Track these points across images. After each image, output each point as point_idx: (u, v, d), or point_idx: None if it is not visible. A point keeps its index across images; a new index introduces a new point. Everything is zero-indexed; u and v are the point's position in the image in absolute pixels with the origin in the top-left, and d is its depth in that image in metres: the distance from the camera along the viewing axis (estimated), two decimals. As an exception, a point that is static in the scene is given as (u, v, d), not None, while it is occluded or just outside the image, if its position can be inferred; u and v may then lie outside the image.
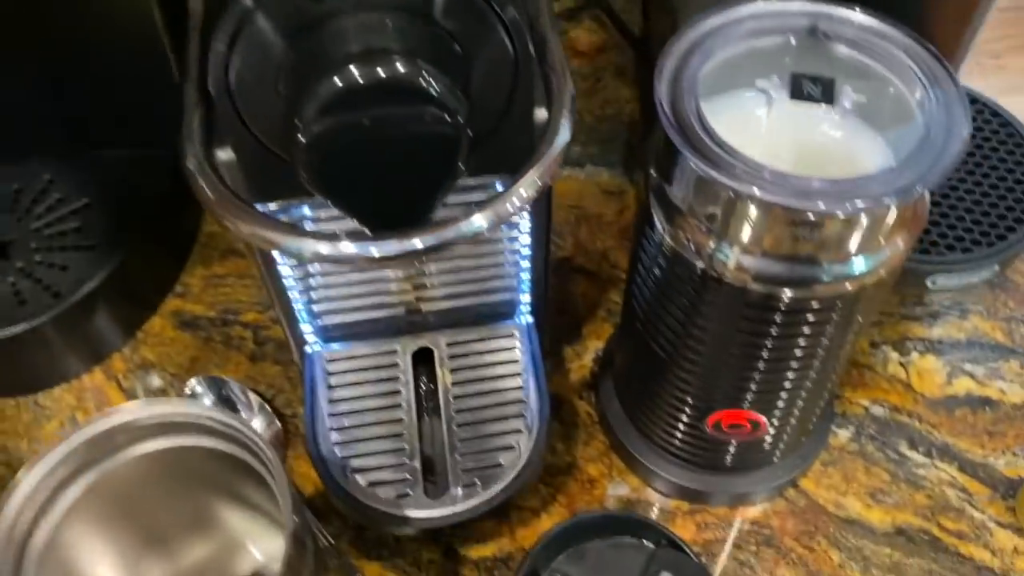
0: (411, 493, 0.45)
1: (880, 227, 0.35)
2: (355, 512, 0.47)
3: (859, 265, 0.36)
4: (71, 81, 0.57)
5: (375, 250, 0.31)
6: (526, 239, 0.46)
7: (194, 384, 0.53)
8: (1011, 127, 0.55)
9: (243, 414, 0.54)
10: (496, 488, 0.46)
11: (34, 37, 0.54)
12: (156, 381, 0.57)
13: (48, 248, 0.56)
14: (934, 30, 0.47)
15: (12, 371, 0.55)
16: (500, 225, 0.33)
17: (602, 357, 0.57)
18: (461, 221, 0.32)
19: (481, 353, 0.50)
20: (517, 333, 0.50)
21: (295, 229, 0.32)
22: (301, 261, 0.44)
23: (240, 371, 0.57)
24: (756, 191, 0.33)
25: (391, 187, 0.35)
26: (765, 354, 0.40)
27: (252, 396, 0.54)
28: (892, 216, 0.35)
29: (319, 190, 0.34)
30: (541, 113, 0.38)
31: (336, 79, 0.32)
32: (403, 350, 0.50)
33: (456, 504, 0.45)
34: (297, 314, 0.49)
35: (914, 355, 0.57)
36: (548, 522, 0.51)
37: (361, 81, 0.32)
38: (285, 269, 0.46)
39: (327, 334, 0.50)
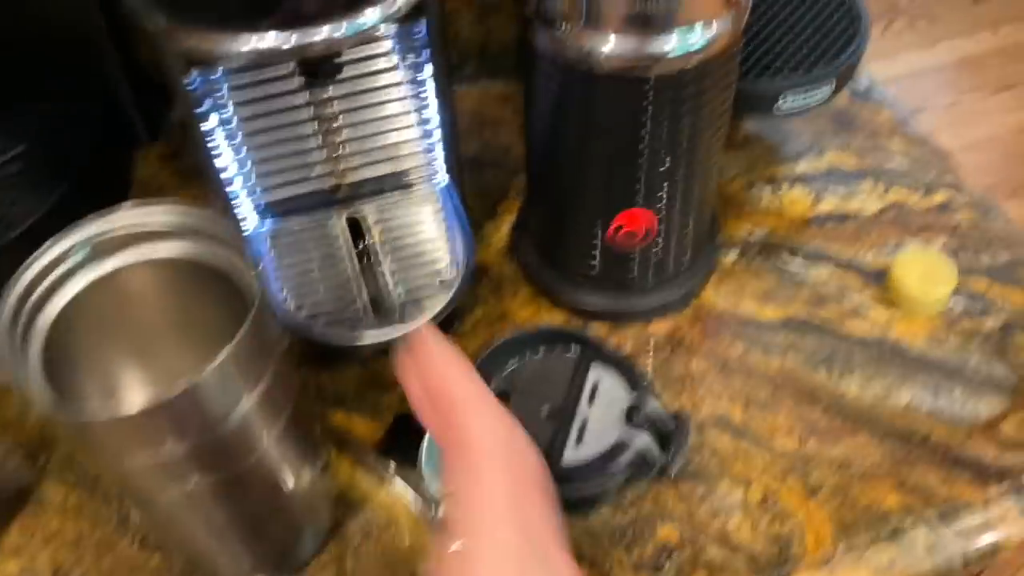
0: (363, 321, 0.51)
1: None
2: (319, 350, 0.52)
3: (698, 36, 0.44)
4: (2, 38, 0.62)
5: (293, 38, 0.37)
6: (432, 97, 0.53)
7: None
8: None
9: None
10: (435, 308, 0.52)
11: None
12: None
13: (-7, 188, 0.60)
14: None
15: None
16: (387, 22, 0.39)
17: (516, 222, 0.64)
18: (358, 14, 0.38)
19: (407, 213, 0.56)
20: (437, 192, 0.57)
21: (223, 31, 0.38)
22: (232, 62, 0.46)
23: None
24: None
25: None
26: (645, 136, 0.48)
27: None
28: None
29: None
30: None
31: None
32: (336, 219, 0.56)
33: (403, 324, 0.51)
34: (235, 197, 0.54)
35: (784, 187, 0.66)
36: (488, 359, 0.57)
37: None
38: (224, 153, 0.51)
39: (263, 213, 0.56)
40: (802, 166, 0.67)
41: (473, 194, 0.66)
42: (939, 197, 0.65)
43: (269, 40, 0.39)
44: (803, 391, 0.55)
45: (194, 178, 0.69)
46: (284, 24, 0.39)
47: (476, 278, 0.58)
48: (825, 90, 0.59)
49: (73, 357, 0.39)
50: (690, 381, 0.56)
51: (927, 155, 0.67)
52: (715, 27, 0.45)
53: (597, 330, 0.58)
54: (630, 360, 0.52)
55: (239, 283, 0.39)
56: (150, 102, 0.70)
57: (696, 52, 0.45)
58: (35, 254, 0.37)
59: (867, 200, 0.65)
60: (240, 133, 0.52)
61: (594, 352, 0.53)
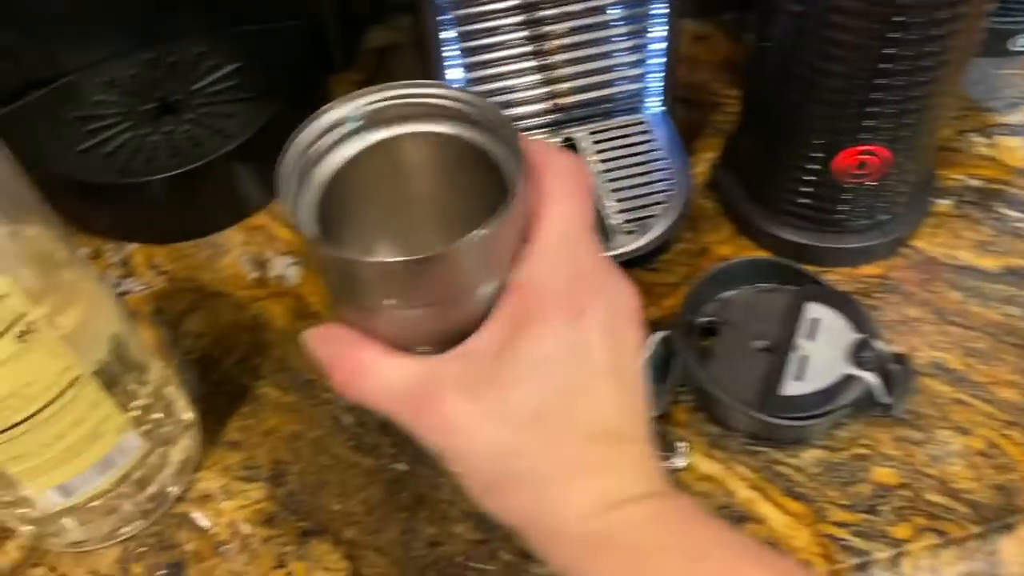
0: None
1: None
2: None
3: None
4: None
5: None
6: (657, 24, 0.52)
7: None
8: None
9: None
10: (652, 234, 0.51)
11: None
12: (316, 216, 0.63)
13: (211, 103, 0.62)
14: None
15: (190, 211, 0.61)
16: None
17: (721, 157, 0.62)
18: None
19: (623, 138, 0.56)
20: (652, 119, 0.56)
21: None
22: None
23: (389, 203, 0.63)
24: None
25: None
26: (887, 63, 0.46)
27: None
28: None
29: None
30: None
31: None
32: (552, 140, 0.56)
33: (625, 246, 0.51)
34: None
35: (997, 138, 0.63)
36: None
37: None
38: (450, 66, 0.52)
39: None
40: (1017, 116, 0.64)
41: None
42: None
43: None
44: (1027, 343, 0.53)
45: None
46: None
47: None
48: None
49: (341, 211, 0.40)
50: (904, 327, 0.54)
51: None
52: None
53: (809, 271, 0.57)
54: (852, 297, 0.51)
55: (502, 171, 0.39)
56: (347, 29, 0.71)
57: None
58: (314, 115, 0.38)
59: (1091, 152, 0.62)
60: (461, 48, 0.52)
61: (813, 288, 0.52)
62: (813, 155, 0.52)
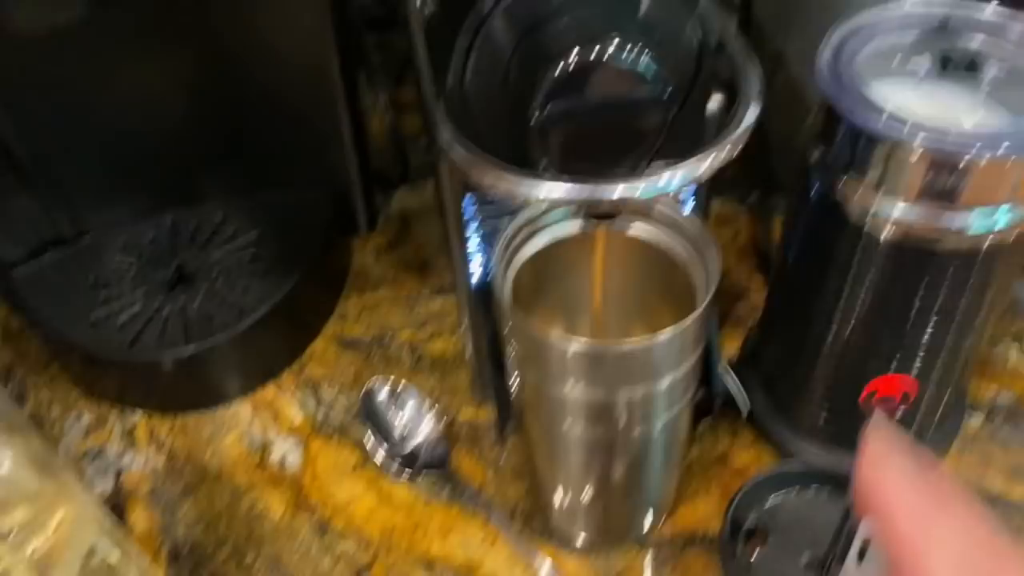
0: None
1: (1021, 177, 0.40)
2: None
3: (1003, 217, 0.41)
4: (246, 133, 0.64)
5: (590, 191, 0.36)
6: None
7: (372, 385, 0.58)
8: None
9: (415, 411, 0.58)
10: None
11: (219, 96, 0.62)
12: (327, 394, 0.62)
13: (228, 275, 0.62)
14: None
15: (198, 386, 0.60)
16: (692, 184, 0.38)
17: (741, 355, 0.61)
18: (658, 176, 0.37)
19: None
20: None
21: (529, 174, 0.37)
22: (529, 203, 0.47)
23: (401, 383, 0.62)
24: (916, 137, 0.38)
25: (602, 155, 0.40)
26: (916, 305, 0.44)
27: (420, 396, 0.58)
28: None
29: (542, 156, 0.40)
30: (714, 101, 0.44)
31: (564, 63, 0.38)
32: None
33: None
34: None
35: (1033, 349, 0.61)
36: (705, 507, 0.54)
37: (585, 62, 0.38)
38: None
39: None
40: (1055, 325, 0.62)
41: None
42: None
43: (560, 191, 0.38)
44: (1063, 593, 0.49)
45: (408, 270, 0.69)
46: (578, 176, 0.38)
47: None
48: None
49: (533, 292, 0.47)
50: (930, 562, 0.51)
51: None
52: (1020, 210, 0.41)
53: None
54: None
55: (690, 276, 0.45)
56: (372, 194, 0.71)
57: (995, 232, 0.42)
58: (525, 212, 0.45)
59: None
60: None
61: None
62: (841, 380, 0.50)
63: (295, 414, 0.61)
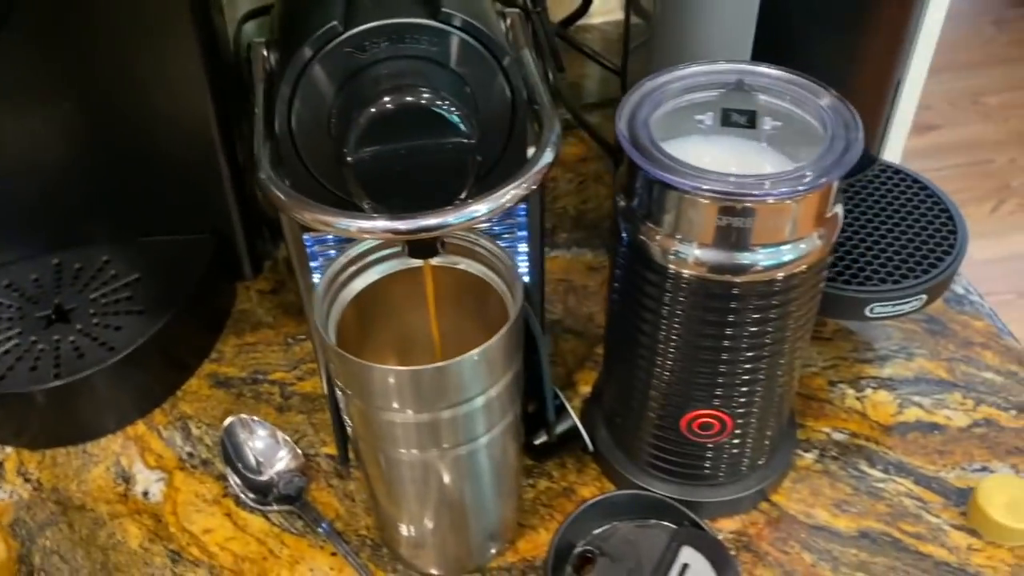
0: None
1: (799, 216, 0.44)
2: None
3: (787, 253, 0.45)
4: (131, 179, 0.67)
5: (404, 226, 0.40)
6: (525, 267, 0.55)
7: (232, 421, 0.60)
8: (929, 190, 0.65)
9: (271, 446, 0.60)
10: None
11: (105, 141, 0.65)
12: (195, 430, 0.64)
13: (103, 313, 0.64)
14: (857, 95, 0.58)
15: (67, 420, 0.62)
16: (494, 214, 0.41)
17: (591, 394, 0.64)
18: (465, 208, 0.41)
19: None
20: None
21: (343, 212, 0.41)
22: (348, 237, 0.50)
23: (268, 420, 0.64)
24: (702, 185, 0.42)
25: (416, 194, 0.43)
26: (724, 343, 0.48)
27: (278, 433, 0.61)
28: (807, 206, 0.44)
29: (361, 201, 0.43)
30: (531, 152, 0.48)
31: (373, 108, 0.42)
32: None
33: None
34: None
35: (868, 391, 0.65)
36: (546, 536, 0.57)
37: (393, 107, 0.42)
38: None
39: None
40: (889, 369, 0.66)
41: (551, 358, 0.67)
42: (1033, 419, 0.62)
43: (378, 225, 0.41)
44: (872, 616, 0.52)
45: (288, 313, 0.72)
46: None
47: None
48: (915, 302, 0.58)
49: (353, 333, 0.50)
50: (752, 588, 0.54)
51: (1023, 372, 0.65)
52: (804, 245, 0.46)
53: (661, 520, 0.57)
54: (725, 548, 0.51)
55: (500, 299, 0.49)
56: (255, 239, 0.74)
57: (784, 265, 0.46)
58: (347, 250, 0.49)
59: (954, 414, 0.63)
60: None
61: (690, 531, 0.52)
62: (662, 415, 0.54)
63: (162, 449, 0.63)
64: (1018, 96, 2.54)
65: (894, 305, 0.58)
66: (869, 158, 0.68)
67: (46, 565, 0.56)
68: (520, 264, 0.56)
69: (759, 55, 0.58)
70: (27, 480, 0.61)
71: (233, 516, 0.59)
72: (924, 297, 0.59)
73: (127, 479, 0.61)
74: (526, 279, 0.56)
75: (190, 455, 0.62)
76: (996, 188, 2.28)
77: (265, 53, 0.49)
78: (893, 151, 0.72)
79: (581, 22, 0.96)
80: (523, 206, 0.53)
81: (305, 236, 0.51)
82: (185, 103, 0.63)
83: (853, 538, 0.56)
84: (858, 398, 0.64)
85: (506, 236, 0.55)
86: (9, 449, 0.63)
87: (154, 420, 0.64)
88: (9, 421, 0.62)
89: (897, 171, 0.67)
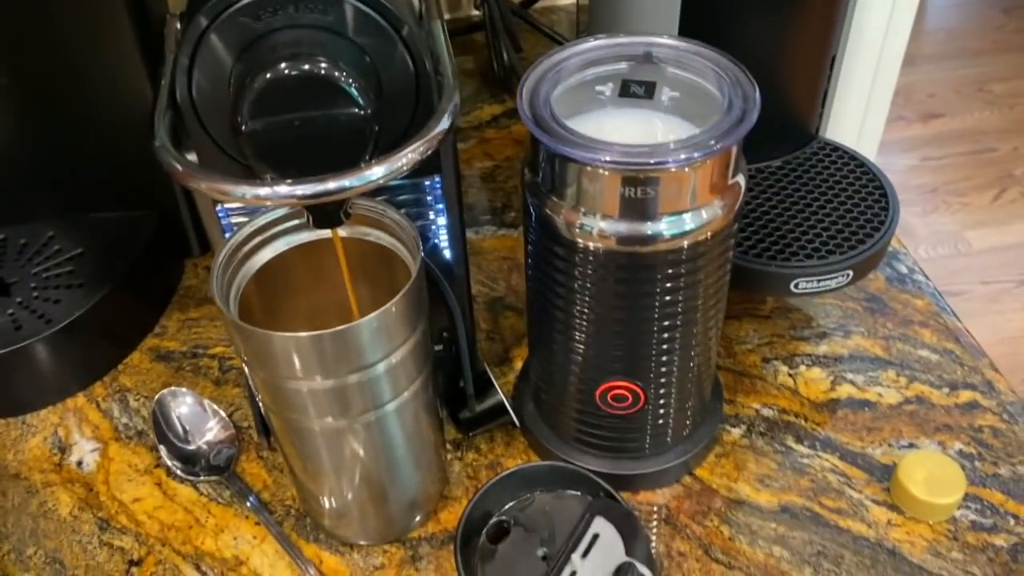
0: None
1: (698, 184, 0.44)
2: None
3: (688, 222, 0.45)
4: (75, 155, 0.68)
5: (299, 190, 0.40)
6: (446, 248, 0.56)
7: (164, 393, 0.61)
8: (865, 167, 0.65)
9: (200, 418, 0.61)
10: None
11: (48, 119, 0.66)
12: (132, 402, 0.64)
13: (44, 287, 0.65)
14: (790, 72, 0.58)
15: (5, 391, 0.63)
16: (391, 177, 0.42)
17: (521, 370, 0.64)
18: (362, 171, 0.41)
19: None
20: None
21: (237, 180, 0.41)
22: (245, 204, 0.52)
23: (206, 393, 0.65)
24: (595, 156, 0.43)
25: (315, 165, 0.44)
26: (633, 314, 0.48)
27: (208, 404, 0.61)
28: (704, 173, 0.44)
29: (260, 171, 0.44)
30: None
31: (268, 74, 0.42)
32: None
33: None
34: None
35: (801, 368, 0.65)
36: (470, 509, 0.57)
37: (289, 74, 0.42)
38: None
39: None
40: (824, 346, 0.66)
41: (489, 338, 0.68)
42: (964, 397, 0.62)
43: (275, 191, 0.42)
44: (784, 588, 0.52)
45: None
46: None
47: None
48: (840, 278, 0.58)
49: (263, 305, 0.51)
50: (668, 561, 0.54)
51: (959, 351, 0.65)
52: (705, 213, 0.46)
53: (584, 493, 0.58)
54: (636, 520, 0.52)
55: (405, 264, 0.49)
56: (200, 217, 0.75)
57: (687, 234, 0.46)
58: (245, 225, 0.49)
59: (886, 391, 0.63)
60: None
61: (604, 502, 0.52)
62: (579, 387, 0.54)
63: (100, 420, 0.63)
64: (1024, 84, 2.51)
65: (819, 280, 0.58)
66: (807, 135, 0.67)
67: (-23, 531, 0.57)
68: (442, 239, 0.56)
69: (691, 32, 0.58)
70: (-35, 450, 0.62)
71: (163, 486, 0.59)
72: (850, 273, 0.58)
73: (63, 449, 0.62)
74: (447, 254, 0.56)
75: (126, 426, 0.63)
76: (999, 176, 2.26)
77: (178, 25, 0.50)
78: (868, 141, 0.71)
79: (547, 3, 0.96)
80: (437, 178, 0.53)
81: (218, 208, 0.52)
82: (121, 79, 0.64)
83: (773, 512, 0.56)
84: (791, 375, 0.64)
85: (429, 211, 0.55)
86: (-50, 419, 0.64)
87: (94, 392, 0.65)
88: (-52, 392, 0.63)
89: (836, 148, 0.67)
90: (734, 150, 0.45)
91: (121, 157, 0.68)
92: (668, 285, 0.48)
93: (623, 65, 0.48)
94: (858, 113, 0.71)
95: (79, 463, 0.61)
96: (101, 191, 0.70)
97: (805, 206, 0.62)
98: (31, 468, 0.61)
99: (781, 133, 0.66)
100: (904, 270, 0.71)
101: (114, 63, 0.63)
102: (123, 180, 0.69)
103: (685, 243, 0.46)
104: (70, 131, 0.66)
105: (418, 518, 0.56)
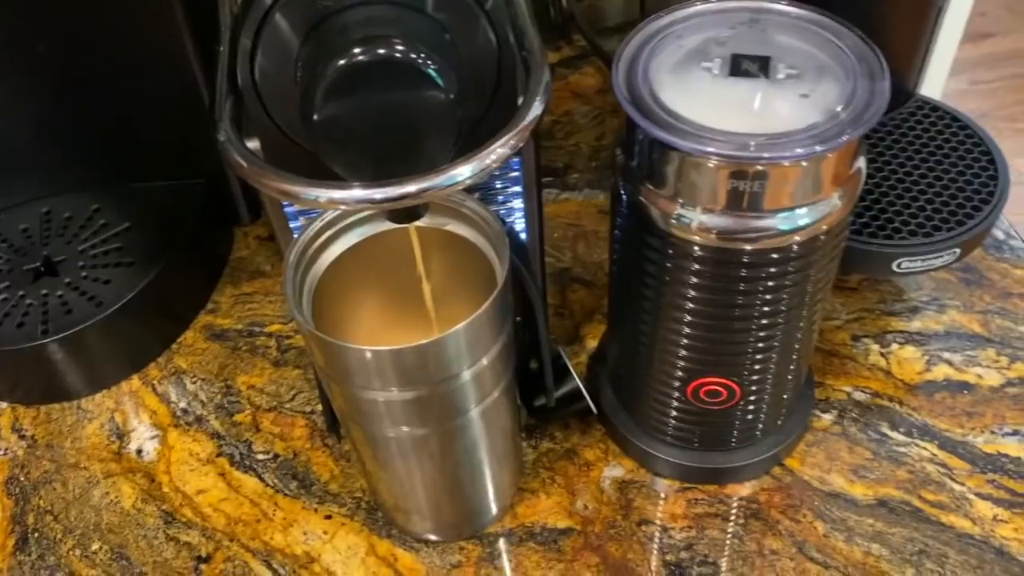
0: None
1: (816, 177, 0.40)
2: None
3: (803, 217, 0.41)
4: (119, 123, 0.64)
5: (377, 194, 0.36)
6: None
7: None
8: (969, 129, 0.59)
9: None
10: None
11: (89, 87, 0.62)
12: (189, 385, 0.62)
13: (93, 266, 0.62)
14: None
15: (60, 377, 0.60)
16: (480, 177, 0.37)
17: (596, 351, 0.61)
18: (447, 171, 0.37)
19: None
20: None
21: (310, 181, 0.37)
22: (316, 208, 0.48)
23: (264, 375, 0.62)
24: (702, 147, 0.38)
25: (393, 159, 0.40)
26: (734, 312, 0.44)
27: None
28: (826, 166, 0.39)
29: (332, 163, 0.40)
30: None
31: (342, 60, 0.38)
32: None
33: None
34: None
35: (894, 346, 0.61)
36: (547, 503, 0.55)
37: (364, 60, 0.38)
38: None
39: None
40: (917, 323, 0.62)
41: (557, 314, 0.64)
42: (1072, 379, 0.58)
43: (349, 195, 0.38)
44: (885, 592, 0.50)
45: (287, 262, 0.69)
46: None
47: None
48: (947, 257, 0.54)
49: (335, 301, 0.47)
50: (760, 559, 0.51)
51: (1064, 326, 0.61)
52: (823, 207, 0.41)
53: (667, 483, 0.55)
54: None
55: (491, 263, 0.45)
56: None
57: (801, 230, 0.41)
58: (313, 220, 0.45)
59: (987, 372, 0.59)
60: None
61: None
62: (667, 382, 0.50)
63: (157, 405, 0.61)
64: (1083, 1, 2.39)
65: (924, 260, 0.54)
66: (905, 93, 0.62)
67: (40, 525, 0.55)
68: (517, 220, 0.52)
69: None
70: (22, 437, 0.60)
71: (227, 476, 0.57)
72: (957, 251, 0.54)
73: (121, 436, 0.60)
74: (523, 236, 0.52)
75: (184, 412, 0.61)
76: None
77: (232, -8, 0.45)
78: (932, 83, 0.66)
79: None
80: (516, 159, 0.49)
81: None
82: (162, 42, 0.59)
83: (870, 506, 0.53)
84: (883, 354, 0.60)
85: (500, 192, 0.51)
86: (4, 404, 0.62)
87: (149, 375, 0.63)
88: (1, 377, 0.61)
89: (936, 108, 0.61)
90: (858, 139, 0.40)
91: (166, 125, 0.64)
92: (772, 284, 0.44)
93: (729, 32, 0.43)
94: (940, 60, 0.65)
95: (139, 451, 0.59)
96: (146, 160, 0.66)
97: (906, 175, 0.57)
98: (90, 457, 0.59)
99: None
100: (1000, 235, 0.66)
101: (157, 28, 0.58)
102: (168, 148, 0.65)
103: (796, 239, 0.42)
104: (111, 99, 0.62)
105: (495, 512, 0.54)
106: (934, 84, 0.66)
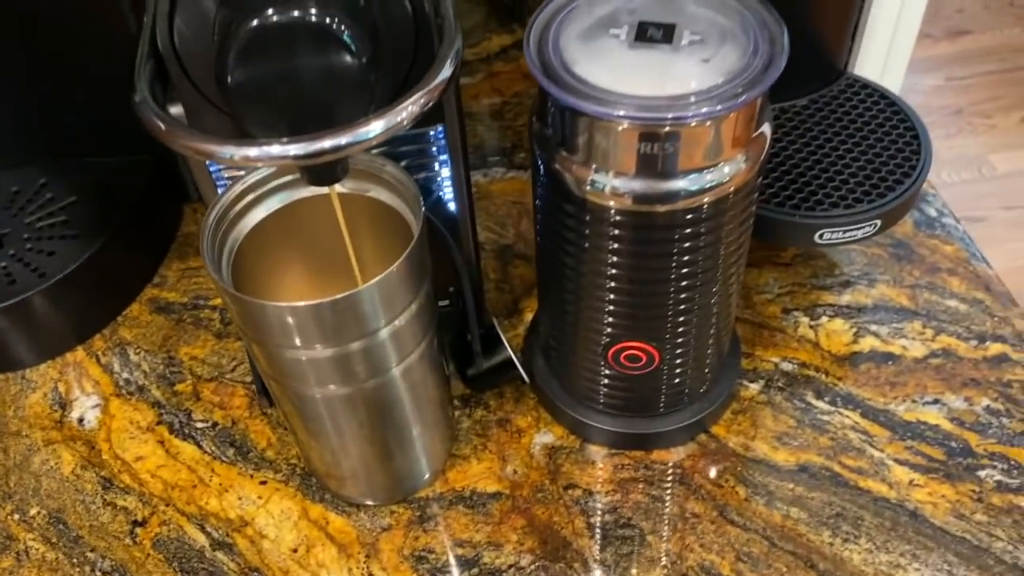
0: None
1: (719, 138, 0.41)
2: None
3: (711, 178, 0.42)
4: (66, 97, 0.65)
5: (292, 150, 0.37)
6: (450, 199, 0.53)
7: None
8: (896, 107, 0.61)
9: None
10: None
11: (37, 61, 0.63)
12: (132, 356, 0.63)
13: (38, 238, 0.63)
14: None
15: (3, 347, 0.61)
16: (391, 133, 0.38)
17: (532, 323, 0.62)
18: (359, 127, 0.38)
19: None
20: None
21: (225, 139, 0.38)
22: (234, 166, 0.49)
23: (207, 347, 0.63)
24: (609, 111, 0.39)
25: (307, 121, 0.41)
26: (651, 275, 0.46)
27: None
28: (726, 126, 0.41)
29: (247, 125, 0.41)
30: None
31: (255, 21, 0.39)
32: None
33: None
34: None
35: (823, 319, 0.62)
36: (478, 468, 0.56)
37: (277, 20, 0.38)
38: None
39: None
40: (847, 296, 0.63)
41: (497, 288, 0.65)
42: (993, 350, 0.59)
43: (265, 152, 0.39)
44: (801, 552, 0.51)
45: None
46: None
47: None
48: (867, 228, 0.55)
49: (258, 266, 0.48)
50: (682, 522, 0.53)
51: (988, 300, 0.62)
52: (727, 169, 0.43)
53: (595, 449, 0.56)
54: None
55: (406, 221, 0.46)
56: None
57: (707, 191, 0.43)
58: (233, 183, 0.46)
59: (911, 344, 0.60)
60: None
61: None
62: (590, 347, 0.52)
63: (100, 375, 0.62)
64: (1056, -2, 2.41)
65: (845, 231, 0.55)
66: (835, 71, 0.64)
67: (-21, 491, 0.56)
68: (446, 191, 0.53)
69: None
70: (-35, 406, 0.61)
71: (166, 444, 0.58)
72: (878, 223, 0.55)
73: (63, 405, 0.61)
74: (452, 207, 0.53)
75: (127, 381, 0.62)
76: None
77: (160, -35, 0.46)
78: (894, 69, 0.67)
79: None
80: (440, 126, 0.50)
81: (209, 162, 0.49)
82: (106, 16, 0.60)
83: (791, 472, 0.55)
84: (812, 326, 0.62)
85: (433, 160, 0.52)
86: (-51, 374, 0.63)
87: (93, 346, 0.64)
88: (-55, 347, 0.62)
89: (865, 86, 0.63)
90: (760, 100, 0.42)
91: (113, 99, 0.64)
92: (687, 245, 0.45)
93: (639, 1, 0.45)
94: (885, 42, 0.67)
95: (80, 420, 0.60)
96: (94, 134, 0.67)
97: (831, 149, 0.59)
98: (32, 425, 0.60)
99: (808, 69, 0.62)
100: (933, 213, 0.68)
101: (100, 1, 0.59)
102: (116, 123, 0.65)
103: (706, 200, 0.43)
104: (59, 72, 0.63)
105: (426, 477, 0.55)
106: (893, 77, 0.67)
